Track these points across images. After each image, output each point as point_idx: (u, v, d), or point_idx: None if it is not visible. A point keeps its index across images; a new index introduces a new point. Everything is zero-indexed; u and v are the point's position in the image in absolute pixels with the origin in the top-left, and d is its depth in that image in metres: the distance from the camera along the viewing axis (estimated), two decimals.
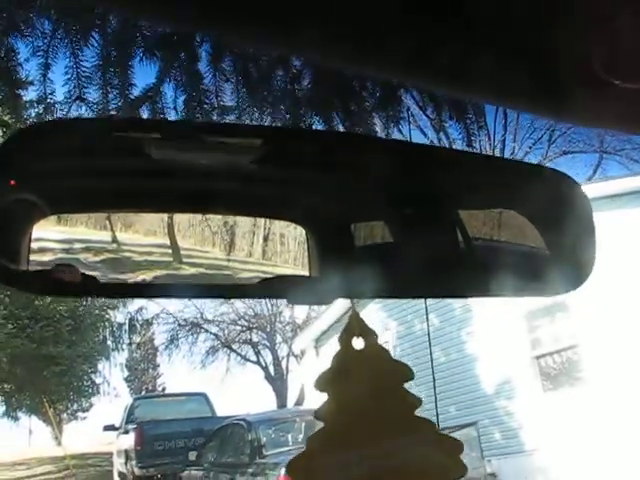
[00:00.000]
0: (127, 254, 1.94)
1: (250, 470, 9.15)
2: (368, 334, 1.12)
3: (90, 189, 1.20)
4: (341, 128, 2.98)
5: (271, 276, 1.23)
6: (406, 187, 1.18)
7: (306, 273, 1.51)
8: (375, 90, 3.06)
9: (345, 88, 2.97)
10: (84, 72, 2.89)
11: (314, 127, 2.96)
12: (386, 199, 1.20)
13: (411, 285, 1.19)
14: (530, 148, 19.83)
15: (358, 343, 1.11)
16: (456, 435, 11.82)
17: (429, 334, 11.28)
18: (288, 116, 3.02)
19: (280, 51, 2.60)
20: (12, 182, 1.04)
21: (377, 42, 0.75)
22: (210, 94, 2.96)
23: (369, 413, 1.09)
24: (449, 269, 1.19)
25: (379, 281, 1.10)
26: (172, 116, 3.05)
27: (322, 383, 1.10)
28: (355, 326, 1.12)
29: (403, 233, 1.23)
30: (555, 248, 1.23)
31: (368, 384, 1.10)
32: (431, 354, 9.86)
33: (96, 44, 2.86)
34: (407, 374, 1.13)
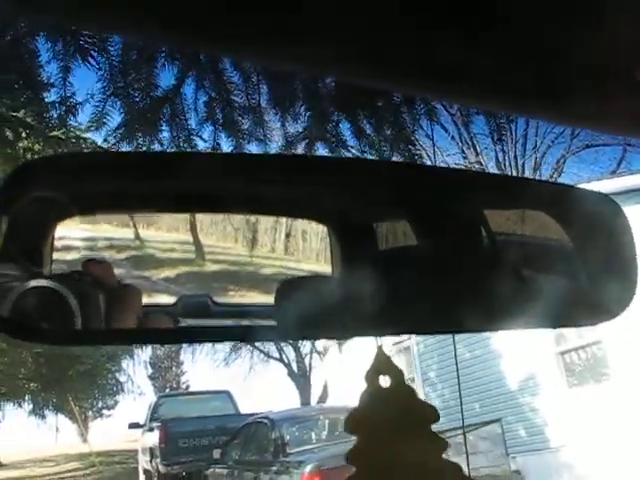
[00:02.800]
0: (150, 251, 1.94)
1: (274, 468, 9.15)
2: (394, 372, 1.11)
3: (114, 192, 1.21)
4: (368, 126, 2.96)
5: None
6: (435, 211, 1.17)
7: (329, 271, 1.51)
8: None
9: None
10: (106, 75, 2.90)
11: (339, 125, 2.95)
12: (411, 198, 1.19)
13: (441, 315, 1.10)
14: (553, 142, 19.68)
15: (384, 381, 1.10)
16: (481, 432, 11.79)
17: None
18: (309, 113, 3.01)
19: (291, 67, 2.61)
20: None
21: (380, 41, 0.75)
22: (231, 94, 2.96)
23: (398, 457, 1.08)
24: (487, 301, 1.11)
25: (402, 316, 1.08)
26: (192, 117, 3.06)
27: (351, 425, 1.11)
28: (382, 363, 1.11)
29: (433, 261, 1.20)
30: (596, 275, 1.17)
31: (396, 426, 1.09)
32: (455, 350, 9.82)
33: (116, 45, 2.87)
34: (433, 415, 1.12)
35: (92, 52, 2.84)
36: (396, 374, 1.10)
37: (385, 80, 0.87)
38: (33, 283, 0.99)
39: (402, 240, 1.33)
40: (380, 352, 1.12)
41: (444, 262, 1.12)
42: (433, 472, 1.08)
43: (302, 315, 1.06)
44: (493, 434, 11.56)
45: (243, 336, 1.13)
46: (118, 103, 3.03)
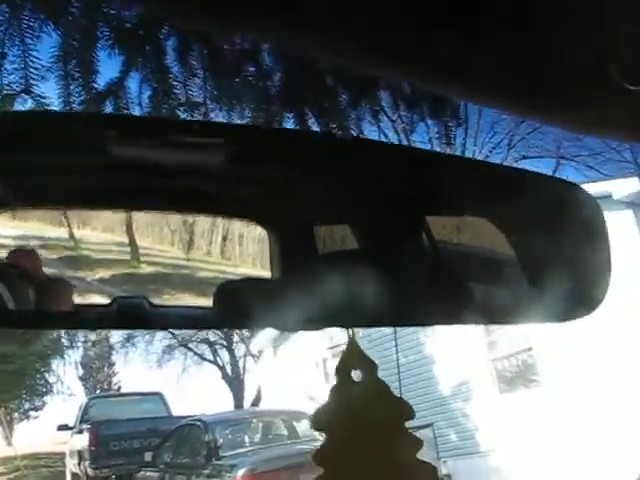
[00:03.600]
0: (85, 252, 1.91)
1: (206, 471, 9.07)
2: (367, 365, 1.05)
3: (47, 185, 1.18)
4: (314, 126, 2.96)
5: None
6: (380, 190, 1.14)
7: (268, 275, 1.50)
8: (349, 87, 3.03)
9: (319, 84, 2.94)
10: (39, 63, 2.82)
11: (285, 125, 2.93)
12: (354, 202, 1.18)
13: (385, 310, 1.09)
14: (490, 152, 20.03)
15: (356, 375, 1.04)
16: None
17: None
18: (259, 113, 2.99)
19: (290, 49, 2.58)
20: None
21: (380, 40, 0.74)
22: (177, 89, 2.92)
23: (369, 457, 1.02)
24: (432, 291, 1.11)
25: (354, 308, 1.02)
26: (137, 111, 3.00)
27: (320, 421, 1.04)
28: (353, 356, 1.05)
29: (371, 241, 1.19)
30: (564, 265, 1.14)
31: (368, 423, 1.03)
32: (397, 353, 9.91)
33: (55, 34, 2.80)
34: (408, 412, 1.06)
35: (32, 37, 2.76)
36: (369, 368, 1.05)
37: (386, 73, 0.86)
38: None
39: (343, 244, 1.33)
40: (352, 344, 1.05)
41: (385, 268, 1.10)
42: (407, 472, 1.04)
43: (241, 318, 1.05)
44: (425, 438, 11.64)
45: (179, 324, 1.02)
46: (56, 94, 2.94)
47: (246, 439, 10.12)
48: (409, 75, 0.82)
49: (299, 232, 1.38)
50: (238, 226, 1.82)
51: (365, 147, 1.10)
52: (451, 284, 1.17)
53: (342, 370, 1.05)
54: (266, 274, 1.52)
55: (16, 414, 29.50)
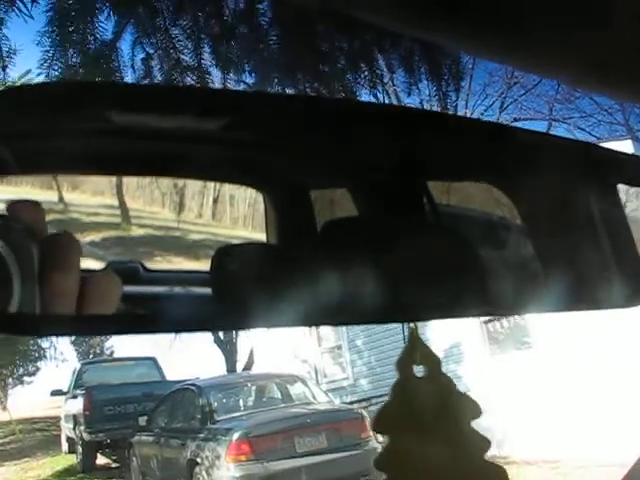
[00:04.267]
0: (75, 215, 1.88)
1: (201, 435, 9.14)
2: (430, 359, 0.97)
3: (38, 149, 1.15)
4: (309, 91, 2.91)
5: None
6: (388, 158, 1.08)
7: (263, 237, 1.48)
8: (346, 51, 2.98)
9: (315, 48, 2.90)
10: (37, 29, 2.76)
11: (280, 89, 2.88)
12: (353, 166, 1.14)
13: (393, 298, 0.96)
14: (482, 114, 19.95)
15: (419, 370, 0.96)
16: None
17: None
18: (253, 75, 2.94)
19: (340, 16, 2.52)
20: None
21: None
22: (171, 51, 2.86)
23: (436, 460, 0.93)
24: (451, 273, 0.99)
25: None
26: (129, 75, 2.94)
27: (382, 423, 0.95)
28: (416, 349, 0.96)
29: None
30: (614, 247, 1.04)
31: (434, 423, 0.95)
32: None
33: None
34: (475, 410, 0.99)
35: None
36: (432, 362, 0.96)
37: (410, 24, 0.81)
38: None
39: (342, 210, 1.30)
40: (413, 335, 0.97)
41: (385, 238, 1.03)
42: (476, 475, 0.95)
43: (241, 283, 1.01)
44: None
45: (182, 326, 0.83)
46: (50, 54, 2.88)
47: (240, 403, 10.18)
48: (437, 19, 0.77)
49: (294, 196, 1.35)
50: (229, 188, 1.80)
51: (362, 109, 1.05)
52: (457, 263, 1.05)
53: (404, 365, 0.96)
54: (261, 237, 1.50)
55: (10, 379, 29.68)
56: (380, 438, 10.88)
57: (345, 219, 1.23)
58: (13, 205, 0.82)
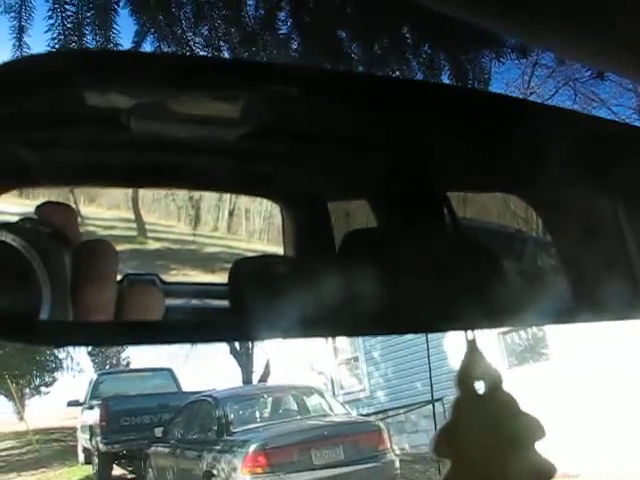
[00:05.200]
0: (91, 228, 1.87)
1: (218, 447, 9.11)
2: (491, 374, 0.89)
3: (56, 161, 1.14)
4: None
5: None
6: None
7: (278, 250, 1.46)
8: (366, 59, 2.95)
9: (336, 55, 2.87)
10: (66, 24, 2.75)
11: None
12: (373, 175, 1.11)
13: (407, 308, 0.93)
14: None
15: (479, 386, 0.89)
16: (423, 410, 11.93)
17: None
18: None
19: None
20: None
21: None
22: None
23: None
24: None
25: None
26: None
27: (443, 446, 0.87)
28: (476, 363, 0.89)
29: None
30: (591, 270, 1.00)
31: (496, 445, 0.87)
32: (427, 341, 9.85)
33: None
34: (539, 431, 0.91)
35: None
36: (493, 377, 0.89)
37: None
38: None
39: (360, 221, 1.28)
40: (473, 348, 0.89)
41: (404, 249, 1.00)
42: None
43: (258, 296, 0.98)
44: (436, 413, 11.71)
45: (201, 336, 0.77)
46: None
47: (257, 415, 10.15)
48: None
49: (312, 208, 1.33)
50: (244, 201, 1.78)
51: (382, 115, 1.03)
52: (476, 276, 1.02)
53: (465, 381, 0.88)
54: (276, 250, 1.48)
55: (27, 390, 29.80)
56: (397, 450, 10.81)
57: (364, 231, 1.20)
58: (42, 207, 0.76)
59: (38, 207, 0.76)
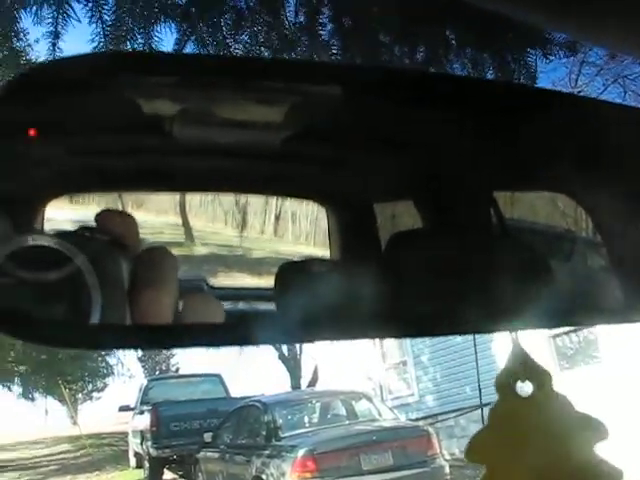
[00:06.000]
0: (140, 234, 1.89)
1: (266, 452, 9.14)
2: (538, 375, 0.83)
3: (103, 167, 1.15)
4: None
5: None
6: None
7: (324, 253, 1.46)
8: (409, 63, 2.93)
9: (377, 59, 2.86)
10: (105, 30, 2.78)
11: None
12: (419, 176, 1.10)
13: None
14: None
15: (525, 388, 0.82)
16: (472, 415, 11.80)
17: None
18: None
19: None
20: (32, 132, 0.89)
21: None
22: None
23: None
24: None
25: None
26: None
27: (477, 451, 0.82)
28: (520, 363, 0.84)
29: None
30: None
31: (545, 450, 0.79)
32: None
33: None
34: (601, 432, 0.83)
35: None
36: (541, 378, 0.83)
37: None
38: (22, 242, 0.65)
39: (407, 223, 1.27)
40: (516, 348, 0.84)
41: (452, 250, 0.99)
42: None
43: (305, 299, 0.98)
44: (484, 417, 11.59)
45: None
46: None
47: (305, 420, 10.16)
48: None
49: (358, 210, 1.32)
50: (291, 204, 1.79)
51: (426, 113, 1.01)
52: (523, 279, 0.98)
53: (504, 383, 0.83)
54: (323, 253, 1.48)
55: (80, 395, 30.33)
56: (447, 455, 10.71)
57: (410, 232, 1.19)
58: (101, 215, 0.77)
59: (98, 215, 0.76)
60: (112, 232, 0.73)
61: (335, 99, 0.83)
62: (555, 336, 11.41)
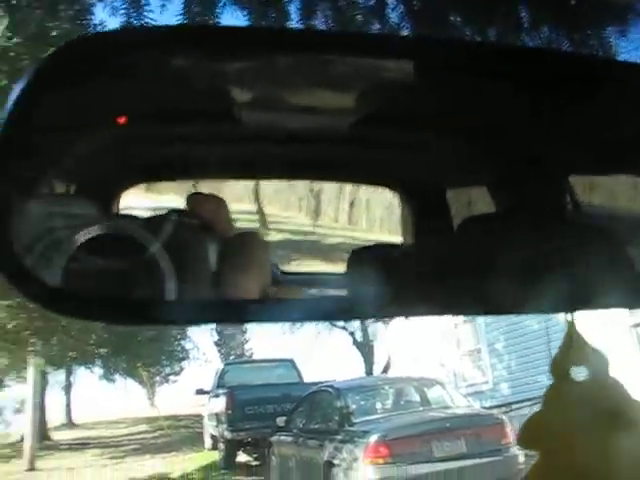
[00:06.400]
0: None
1: (339, 437, 9.18)
2: (595, 360, 0.80)
3: (179, 156, 1.18)
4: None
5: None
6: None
7: (398, 240, 1.45)
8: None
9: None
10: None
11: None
12: (492, 161, 1.09)
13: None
14: None
15: (579, 372, 0.79)
16: None
17: None
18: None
19: None
20: (122, 120, 0.89)
21: None
22: None
23: None
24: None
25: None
26: None
27: (531, 437, 0.79)
28: (575, 348, 0.80)
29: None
30: None
31: (599, 439, 0.76)
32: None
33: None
34: None
35: None
36: (597, 362, 0.79)
37: None
38: (103, 228, 0.66)
39: (480, 209, 1.25)
40: (572, 332, 0.81)
41: (526, 235, 0.96)
42: None
43: (376, 284, 0.97)
44: None
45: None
46: None
47: (378, 405, 10.16)
48: None
49: (431, 196, 1.31)
50: (365, 191, 1.78)
51: (501, 94, 0.98)
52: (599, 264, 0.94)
53: (559, 367, 0.80)
54: (397, 240, 1.47)
55: (157, 378, 31.07)
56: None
57: (483, 216, 1.18)
58: (192, 198, 0.78)
59: (189, 198, 0.77)
60: (202, 216, 0.74)
61: (407, 78, 0.81)
62: (636, 325, 11.10)
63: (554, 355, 0.81)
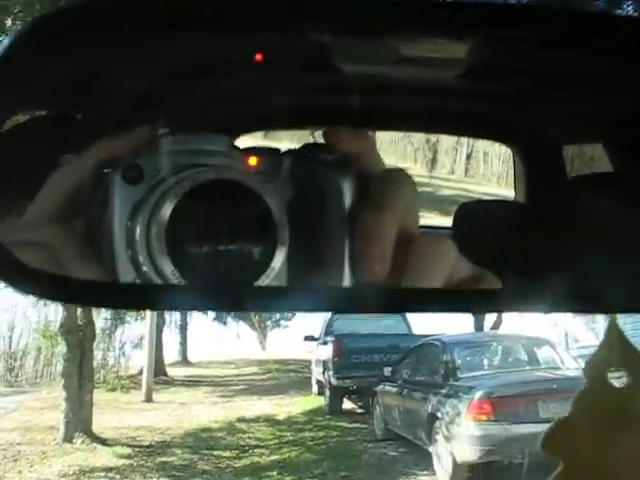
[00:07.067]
0: None
1: (443, 391, 9.19)
2: (636, 364, 0.72)
3: (292, 106, 1.19)
4: None
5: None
6: None
7: (510, 194, 1.44)
8: None
9: None
10: None
11: None
12: (610, 116, 1.06)
13: None
14: None
15: (618, 377, 0.72)
16: None
17: None
18: None
19: None
20: (259, 56, 0.86)
21: None
22: None
23: None
24: None
25: None
26: None
27: (554, 444, 0.73)
28: (614, 349, 0.73)
29: None
30: None
31: (633, 455, 0.68)
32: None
33: None
34: None
35: None
36: (636, 366, 0.71)
37: None
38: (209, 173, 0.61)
39: (596, 166, 1.23)
40: (612, 330, 0.74)
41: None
42: None
43: (483, 237, 0.97)
44: None
45: None
46: None
47: (485, 362, 10.09)
48: None
49: (546, 152, 1.29)
50: (483, 144, 1.77)
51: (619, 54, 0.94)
52: None
53: (594, 370, 0.73)
54: (510, 194, 1.46)
55: (268, 322, 31.83)
56: None
57: (597, 175, 1.15)
58: (330, 132, 0.70)
59: (325, 132, 0.70)
60: (343, 149, 0.67)
61: (523, 39, 0.79)
62: None
63: (590, 356, 0.74)
